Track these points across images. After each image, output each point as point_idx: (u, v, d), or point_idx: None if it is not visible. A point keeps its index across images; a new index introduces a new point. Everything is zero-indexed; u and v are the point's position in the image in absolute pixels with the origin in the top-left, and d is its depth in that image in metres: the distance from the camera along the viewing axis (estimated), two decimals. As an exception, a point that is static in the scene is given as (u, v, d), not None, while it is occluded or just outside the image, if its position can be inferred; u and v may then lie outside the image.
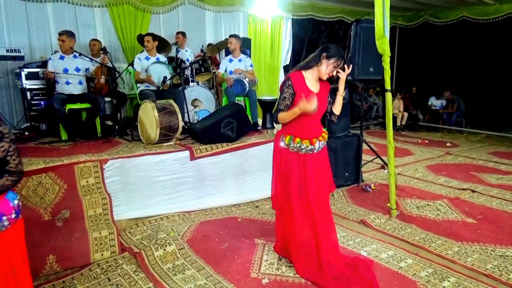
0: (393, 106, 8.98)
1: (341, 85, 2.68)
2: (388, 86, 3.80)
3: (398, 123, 9.19)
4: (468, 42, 8.90)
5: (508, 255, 3.07)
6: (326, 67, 2.59)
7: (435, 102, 9.52)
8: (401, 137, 8.44)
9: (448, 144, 7.54)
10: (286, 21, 7.94)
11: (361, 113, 5.68)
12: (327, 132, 2.80)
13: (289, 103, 2.61)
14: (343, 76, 2.64)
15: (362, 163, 5.14)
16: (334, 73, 2.63)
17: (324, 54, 2.58)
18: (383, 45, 3.68)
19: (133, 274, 2.76)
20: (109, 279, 2.71)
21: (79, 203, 3.14)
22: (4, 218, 1.59)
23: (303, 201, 2.69)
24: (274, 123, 5.17)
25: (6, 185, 1.62)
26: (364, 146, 5.22)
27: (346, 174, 4.90)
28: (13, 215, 1.63)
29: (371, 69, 4.73)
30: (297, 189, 2.68)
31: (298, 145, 2.63)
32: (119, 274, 2.76)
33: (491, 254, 3.10)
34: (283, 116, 2.61)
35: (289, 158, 2.67)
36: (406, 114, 9.28)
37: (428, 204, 4.16)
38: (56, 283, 2.65)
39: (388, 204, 3.97)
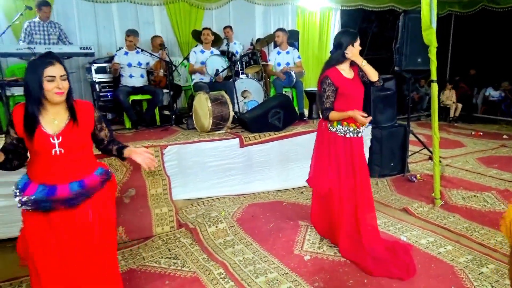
0: (444, 96, 8.77)
1: (355, 59, 2.79)
2: (434, 77, 3.83)
3: (452, 114, 8.90)
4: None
5: (554, 246, 3.05)
6: (353, 52, 2.77)
7: (492, 93, 9.09)
8: (454, 128, 8.20)
9: (504, 137, 7.23)
10: (335, 12, 7.98)
11: (409, 103, 5.66)
12: None
13: (333, 99, 2.83)
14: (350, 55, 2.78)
15: (409, 154, 5.16)
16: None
17: (346, 45, 2.77)
18: (429, 36, 3.71)
19: (189, 246, 3.12)
20: (169, 250, 3.09)
21: (143, 183, 3.56)
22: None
23: (349, 183, 2.88)
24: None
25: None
26: (412, 138, 5.23)
27: (392, 164, 4.96)
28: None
29: (419, 60, 4.72)
30: (345, 172, 2.88)
31: (345, 128, 2.82)
32: (177, 246, 3.14)
33: (536, 245, 3.09)
34: (335, 116, 2.82)
35: (337, 142, 2.87)
36: (460, 105, 8.95)
37: (475, 195, 4.14)
38: (125, 251, 3.07)
39: (433, 194, 4.02)
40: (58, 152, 1.84)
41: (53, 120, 1.86)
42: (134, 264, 2.88)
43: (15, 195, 1.87)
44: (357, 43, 2.79)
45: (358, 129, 2.84)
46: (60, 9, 5.61)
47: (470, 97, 9.34)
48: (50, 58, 1.81)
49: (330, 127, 2.89)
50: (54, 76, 1.79)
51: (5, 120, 4.79)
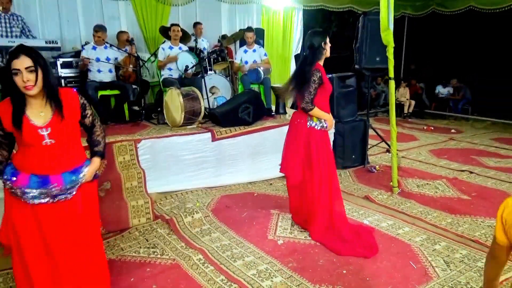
0: (399, 94, 9.34)
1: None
2: (391, 74, 4.16)
3: (406, 111, 9.49)
4: (476, 31, 9.09)
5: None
6: (328, 51, 3.08)
7: (441, 90, 9.80)
8: (408, 123, 8.76)
9: (452, 131, 7.85)
10: (298, 12, 8.25)
11: (368, 99, 6.04)
12: None
13: (316, 92, 3.03)
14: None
15: (368, 147, 5.52)
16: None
17: (324, 42, 3.03)
18: (387, 36, 4.04)
19: (166, 236, 3.23)
20: (146, 240, 3.18)
21: (118, 177, 3.61)
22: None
23: (321, 172, 3.11)
24: (286, 109, 5.59)
25: (105, 141, 2.19)
26: (371, 132, 5.60)
27: (353, 156, 5.29)
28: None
29: (377, 59, 5.06)
30: (319, 162, 3.10)
31: (323, 123, 3.08)
32: (155, 236, 3.24)
33: (480, 224, 3.48)
34: (317, 113, 3.04)
35: (316, 136, 3.09)
36: (413, 102, 9.57)
37: (427, 183, 4.54)
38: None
39: (391, 183, 4.37)
40: (49, 143, 1.88)
41: (40, 113, 1.89)
42: (113, 255, 2.95)
43: (5, 183, 1.90)
44: (328, 41, 3.04)
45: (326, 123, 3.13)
46: (20, 1, 5.43)
47: (422, 95, 10.01)
48: (16, 51, 1.79)
49: (310, 122, 3.08)
50: (18, 69, 1.77)
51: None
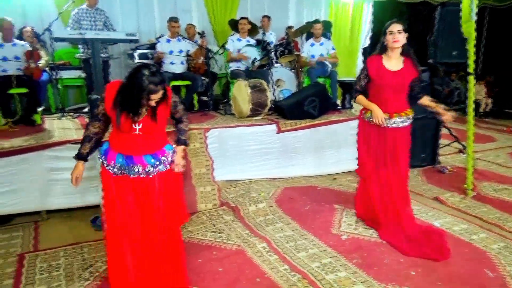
0: (475, 91, 8.67)
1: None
2: (471, 69, 3.89)
3: (482, 109, 8.81)
4: None
5: None
6: (388, 41, 2.84)
7: (526, 88, 8.94)
8: (484, 123, 8.13)
9: (537, 133, 7.16)
10: (368, 4, 7.99)
11: (442, 97, 5.69)
12: (411, 111, 3.03)
13: (363, 84, 2.99)
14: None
15: (440, 146, 5.22)
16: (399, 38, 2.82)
17: (383, 31, 2.88)
18: (469, 28, 3.77)
19: (232, 222, 3.34)
20: (213, 225, 3.31)
21: (188, 163, 3.77)
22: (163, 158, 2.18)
23: (381, 171, 3.02)
24: (352, 104, 5.46)
25: (189, 129, 2.40)
26: (443, 130, 5.28)
27: (422, 155, 5.03)
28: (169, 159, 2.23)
29: (454, 52, 4.77)
30: (376, 160, 3.03)
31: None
32: (221, 222, 3.36)
33: None
34: (361, 101, 3.03)
35: (369, 130, 3.03)
36: (490, 101, 8.85)
37: (506, 188, 4.20)
38: (172, 224, 3.31)
39: (464, 185, 4.10)
40: (138, 133, 2.07)
41: None
42: (182, 236, 3.10)
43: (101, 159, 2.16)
44: (392, 29, 2.80)
45: (390, 120, 2.93)
46: (104, -4, 5.85)
47: (502, 93, 9.20)
48: (157, 84, 1.93)
49: (365, 115, 3.04)
50: (153, 100, 1.98)
51: (53, 101, 5.09)
